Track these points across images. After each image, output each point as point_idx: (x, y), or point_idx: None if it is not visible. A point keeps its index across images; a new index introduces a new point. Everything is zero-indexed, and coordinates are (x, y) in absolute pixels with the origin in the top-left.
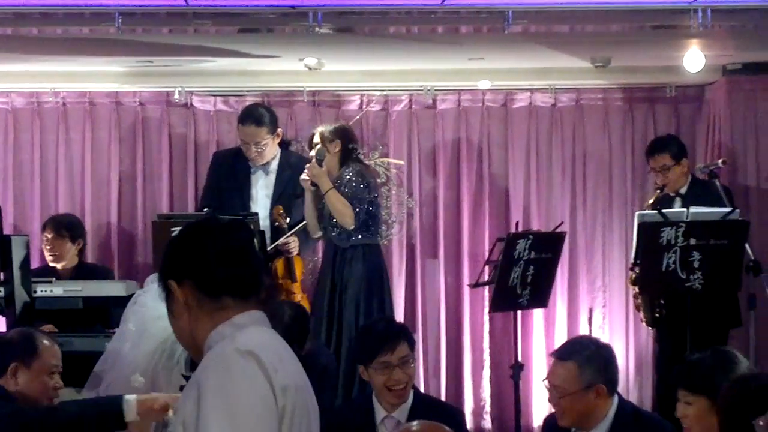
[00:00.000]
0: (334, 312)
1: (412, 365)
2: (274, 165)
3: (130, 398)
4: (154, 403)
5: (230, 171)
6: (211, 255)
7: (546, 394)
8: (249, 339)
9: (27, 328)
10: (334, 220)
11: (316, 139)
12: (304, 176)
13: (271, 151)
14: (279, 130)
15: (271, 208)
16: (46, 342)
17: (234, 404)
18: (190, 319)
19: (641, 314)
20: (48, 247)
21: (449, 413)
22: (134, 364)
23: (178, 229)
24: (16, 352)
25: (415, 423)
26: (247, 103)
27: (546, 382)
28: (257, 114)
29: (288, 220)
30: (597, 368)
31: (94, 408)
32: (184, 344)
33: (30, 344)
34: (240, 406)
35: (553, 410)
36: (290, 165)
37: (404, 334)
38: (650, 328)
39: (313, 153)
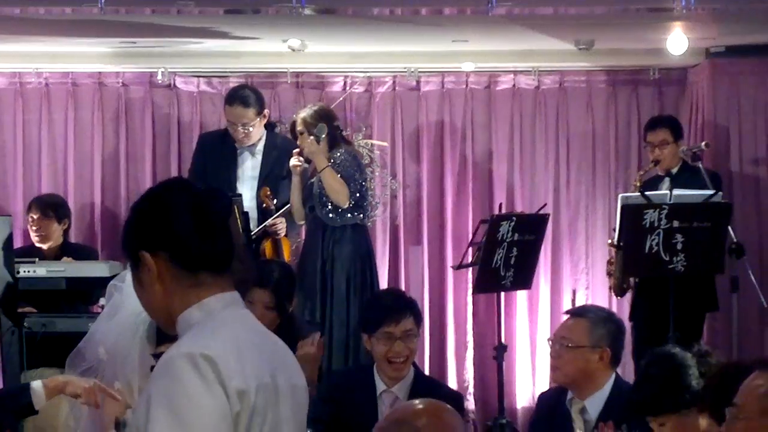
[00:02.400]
0: (327, 289)
1: (415, 340)
2: (260, 146)
3: (36, 386)
4: (65, 387)
5: (216, 152)
6: (187, 224)
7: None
8: (209, 338)
9: None
10: (325, 198)
11: (299, 127)
12: (294, 161)
13: (257, 132)
14: (265, 111)
15: (258, 190)
16: None
17: (180, 416)
18: (164, 293)
19: (610, 281)
20: (34, 228)
21: (449, 395)
22: (103, 339)
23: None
24: None
25: (419, 400)
26: (231, 85)
27: (550, 339)
28: (244, 95)
29: (275, 201)
30: (608, 331)
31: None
32: (155, 317)
33: None
34: (186, 417)
35: (546, 389)
36: (276, 146)
37: (411, 308)
38: (618, 297)
39: (310, 140)
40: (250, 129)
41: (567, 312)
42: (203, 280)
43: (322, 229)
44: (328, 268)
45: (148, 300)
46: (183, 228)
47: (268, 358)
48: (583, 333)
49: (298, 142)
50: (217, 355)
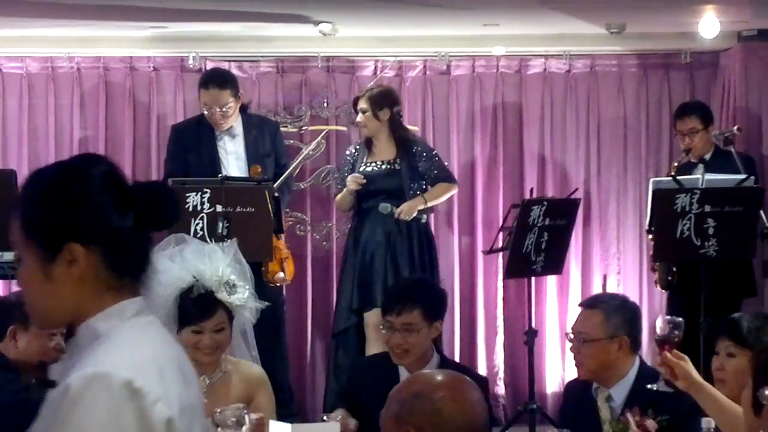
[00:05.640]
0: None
1: (416, 335)
2: (238, 129)
3: None
4: None
5: (195, 140)
6: (130, 217)
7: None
8: (126, 354)
9: None
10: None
11: (363, 104)
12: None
13: (235, 115)
14: (241, 93)
15: (248, 170)
16: None
17: None
18: (78, 295)
19: (656, 276)
20: None
21: (475, 380)
22: None
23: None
24: (15, 314)
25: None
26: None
27: (569, 332)
28: (219, 77)
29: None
30: (623, 320)
31: None
32: (49, 319)
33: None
34: None
35: (573, 377)
36: (254, 125)
37: (421, 301)
38: (663, 291)
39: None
40: (228, 111)
41: (580, 304)
42: (125, 283)
43: (392, 222)
44: (401, 259)
45: (54, 301)
46: (126, 221)
47: (181, 372)
48: (598, 325)
49: (357, 119)
50: (140, 378)
